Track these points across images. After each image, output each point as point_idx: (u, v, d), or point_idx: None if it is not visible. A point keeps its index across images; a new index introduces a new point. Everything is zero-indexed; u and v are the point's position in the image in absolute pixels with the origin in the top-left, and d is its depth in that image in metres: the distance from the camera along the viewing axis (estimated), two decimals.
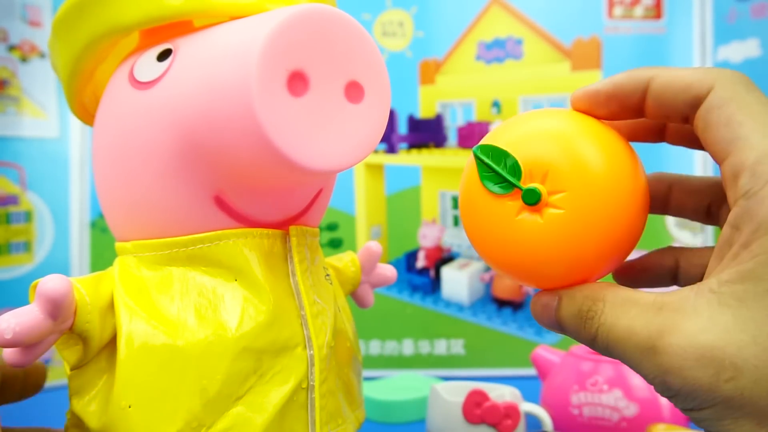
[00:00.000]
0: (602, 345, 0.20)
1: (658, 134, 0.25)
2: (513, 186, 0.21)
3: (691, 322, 0.18)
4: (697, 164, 0.65)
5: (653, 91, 0.21)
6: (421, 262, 0.67)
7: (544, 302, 0.22)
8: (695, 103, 0.20)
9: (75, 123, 0.62)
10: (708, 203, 0.24)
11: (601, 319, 0.20)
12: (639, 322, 0.19)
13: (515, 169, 0.21)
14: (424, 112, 0.68)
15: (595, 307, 0.20)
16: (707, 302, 0.18)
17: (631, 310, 0.19)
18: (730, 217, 0.18)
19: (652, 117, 0.22)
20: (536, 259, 0.21)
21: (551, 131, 0.21)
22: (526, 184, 0.21)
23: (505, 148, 0.21)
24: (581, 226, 0.20)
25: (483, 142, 0.22)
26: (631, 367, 0.20)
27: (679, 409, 0.19)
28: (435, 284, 0.66)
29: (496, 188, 0.21)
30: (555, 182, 0.20)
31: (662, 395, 0.19)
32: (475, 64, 0.67)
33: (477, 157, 0.22)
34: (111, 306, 0.24)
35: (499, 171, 0.21)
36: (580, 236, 0.20)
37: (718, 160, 0.19)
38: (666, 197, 0.25)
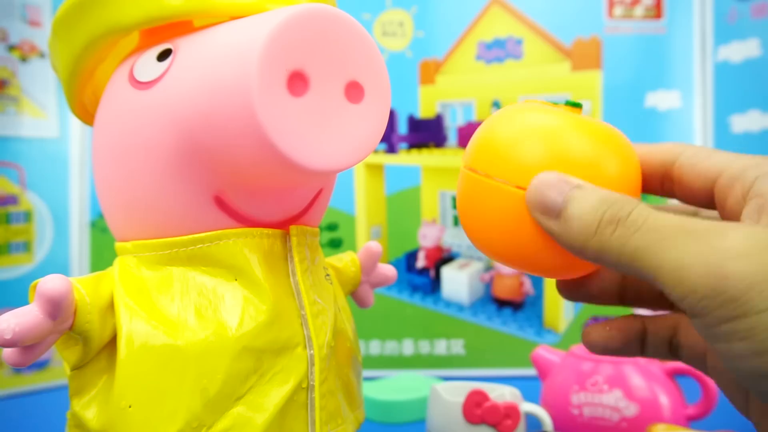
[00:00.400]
0: (626, 254, 0.18)
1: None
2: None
3: (754, 227, 0.17)
4: None
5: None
6: (421, 262, 0.67)
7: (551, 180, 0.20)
8: (671, 159, 0.23)
9: (75, 123, 0.62)
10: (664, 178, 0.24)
11: (636, 211, 0.18)
12: (689, 222, 0.17)
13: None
14: (424, 112, 0.68)
15: (626, 207, 0.19)
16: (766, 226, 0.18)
17: (674, 217, 0.18)
18: (751, 194, 0.19)
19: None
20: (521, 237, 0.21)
21: (539, 127, 0.21)
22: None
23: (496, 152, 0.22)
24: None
25: (472, 153, 0.23)
26: (658, 264, 0.17)
27: (706, 325, 0.17)
28: (435, 284, 0.66)
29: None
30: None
31: (695, 301, 0.17)
32: (475, 64, 0.67)
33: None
34: (111, 306, 0.24)
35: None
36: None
37: (709, 181, 0.21)
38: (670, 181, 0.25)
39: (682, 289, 0.17)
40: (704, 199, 0.22)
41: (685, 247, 0.17)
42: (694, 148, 0.22)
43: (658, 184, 0.24)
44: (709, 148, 0.22)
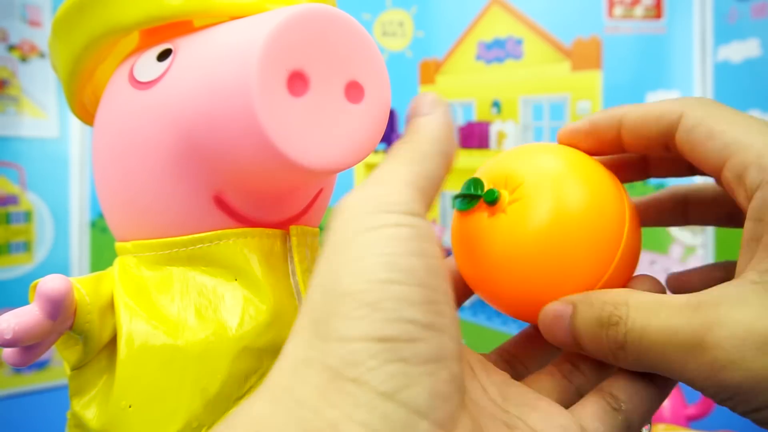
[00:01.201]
0: (633, 352, 0.19)
1: (642, 170, 0.25)
2: (477, 196, 0.23)
3: (742, 312, 0.17)
4: None
5: (627, 126, 0.22)
6: None
7: (555, 312, 0.21)
8: (670, 130, 0.20)
9: (75, 123, 0.62)
10: (729, 210, 0.24)
11: (629, 324, 0.19)
12: (677, 321, 0.18)
13: (477, 184, 0.23)
14: None
15: (618, 311, 0.19)
16: (753, 292, 0.17)
17: (662, 312, 0.18)
18: (750, 212, 0.18)
19: (631, 150, 0.23)
20: (479, 260, 0.23)
21: (519, 151, 0.24)
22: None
23: (477, 174, 0.24)
24: (518, 233, 0.21)
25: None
26: (670, 373, 0.18)
27: (739, 413, 0.18)
28: None
29: (464, 205, 0.23)
30: (514, 186, 0.22)
31: (716, 399, 0.18)
32: (475, 64, 0.67)
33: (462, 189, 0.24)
34: (111, 306, 0.24)
35: (464, 192, 0.24)
36: (530, 226, 0.21)
37: (714, 171, 0.20)
38: (684, 210, 0.25)
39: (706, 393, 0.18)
40: (716, 176, 0.21)
41: (684, 362, 0.18)
42: (694, 116, 0.20)
43: (661, 162, 0.25)
44: (713, 108, 0.20)
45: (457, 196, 0.24)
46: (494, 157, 0.25)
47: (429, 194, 0.19)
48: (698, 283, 0.25)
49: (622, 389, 0.20)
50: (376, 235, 0.17)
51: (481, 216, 0.23)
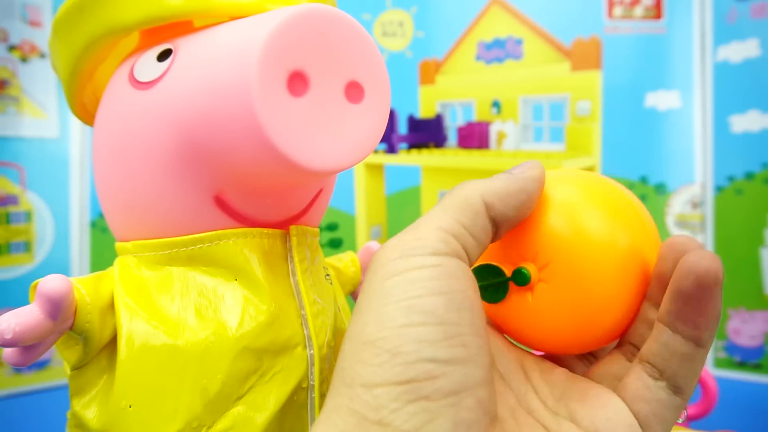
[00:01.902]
0: None
1: None
2: (504, 282, 0.22)
3: None
4: (697, 166, 0.65)
5: None
6: None
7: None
8: None
9: (75, 123, 0.62)
10: None
11: None
12: None
13: (494, 271, 0.22)
14: (424, 112, 0.68)
15: None
16: None
17: None
18: None
19: None
20: (538, 333, 0.22)
21: (543, 211, 0.21)
22: (518, 265, 0.21)
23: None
24: (562, 296, 0.20)
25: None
26: None
27: None
28: None
29: (493, 297, 0.22)
30: (543, 258, 0.21)
31: None
32: (475, 64, 0.67)
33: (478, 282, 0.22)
34: (111, 306, 0.24)
35: (490, 282, 0.22)
36: (562, 306, 0.21)
37: None
38: None
39: None
40: None
41: None
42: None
43: None
44: None
45: (482, 287, 0.22)
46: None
47: (464, 236, 0.19)
48: None
49: (657, 354, 0.19)
50: (399, 280, 0.17)
51: (518, 298, 0.22)
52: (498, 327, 0.23)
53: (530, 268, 0.21)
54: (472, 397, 0.16)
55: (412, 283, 0.17)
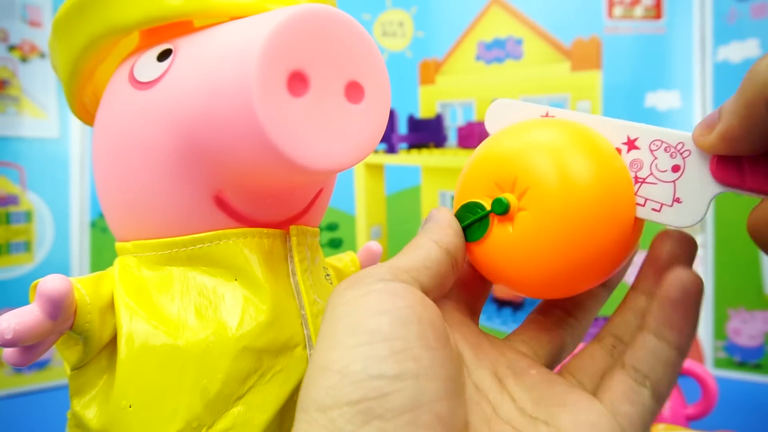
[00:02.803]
0: None
1: None
2: (486, 215, 0.22)
3: None
4: None
5: None
6: None
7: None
8: None
9: (75, 123, 0.62)
10: None
11: None
12: None
13: (476, 207, 0.22)
14: (424, 112, 0.68)
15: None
16: None
17: None
18: None
19: None
20: (519, 267, 0.21)
21: (522, 141, 0.22)
22: (497, 195, 0.22)
23: (484, 157, 0.23)
24: (545, 223, 0.20)
25: (456, 194, 0.24)
26: None
27: None
28: None
29: (474, 235, 0.22)
30: (522, 185, 0.21)
31: None
32: (475, 64, 0.67)
33: (460, 223, 0.23)
34: (111, 306, 0.24)
35: (470, 219, 0.22)
36: (546, 234, 0.20)
37: None
38: None
39: None
40: None
41: None
42: None
43: None
44: None
45: (465, 227, 0.23)
46: (475, 153, 0.23)
47: (415, 269, 0.20)
48: None
49: (642, 360, 0.20)
50: (347, 306, 0.18)
51: (500, 229, 0.22)
52: (483, 272, 0.23)
53: (509, 198, 0.21)
54: (429, 414, 0.16)
55: (357, 307, 0.18)
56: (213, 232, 0.24)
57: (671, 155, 0.21)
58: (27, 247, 0.60)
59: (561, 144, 0.21)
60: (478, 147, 0.24)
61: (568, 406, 0.20)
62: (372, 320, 0.17)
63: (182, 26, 0.25)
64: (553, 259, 0.21)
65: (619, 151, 0.22)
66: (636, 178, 0.21)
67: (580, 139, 0.21)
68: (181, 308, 0.24)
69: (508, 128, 0.23)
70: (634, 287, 0.23)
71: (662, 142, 0.21)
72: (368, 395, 0.16)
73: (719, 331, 0.62)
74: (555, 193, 0.20)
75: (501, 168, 0.22)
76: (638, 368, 0.20)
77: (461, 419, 0.17)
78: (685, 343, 0.20)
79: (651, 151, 0.21)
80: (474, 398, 0.20)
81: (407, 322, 0.18)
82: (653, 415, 0.20)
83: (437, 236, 0.21)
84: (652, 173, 0.21)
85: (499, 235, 0.22)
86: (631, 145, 0.22)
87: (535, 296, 0.23)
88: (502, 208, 0.21)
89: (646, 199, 0.21)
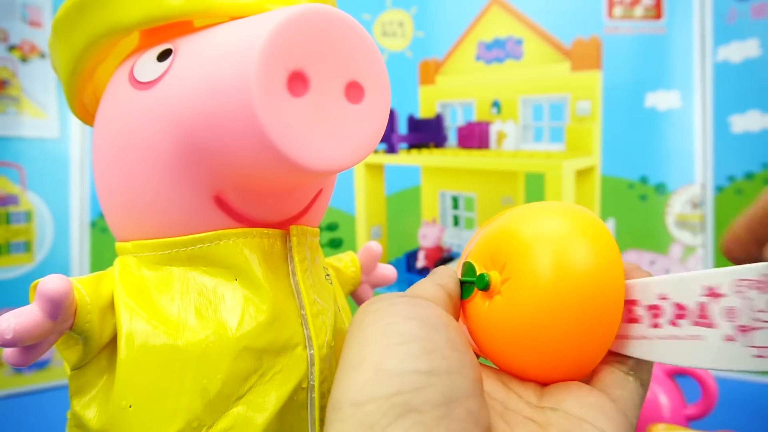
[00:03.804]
0: None
1: None
2: (472, 282, 0.23)
3: None
4: (697, 166, 0.65)
5: None
6: (421, 262, 0.67)
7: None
8: None
9: (75, 123, 0.62)
10: None
11: None
12: None
13: (470, 270, 0.23)
14: (424, 112, 0.68)
15: None
16: None
17: None
18: None
19: None
20: (489, 343, 0.22)
21: (503, 223, 0.23)
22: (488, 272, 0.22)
23: (489, 235, 0.23)
24: (515, 313, 0.21)
25: (470, 247, 0.25)
26: None
27: None
28: None
29: (465, 293, 0.23)
30: (508, 271, 0.22)
31: None
32: (475, 64, 0.67)
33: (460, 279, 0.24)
34: (111, 306, 0.24)
35: (465, 279, 0.23)
36: (514, 323, 0.21)
37: None
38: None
39: None
40: None
41: None
42: None
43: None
44: None
45: (461, 283, 0.24)
46: (484, 228, 0.24)
47: (437, 296, 0.22)
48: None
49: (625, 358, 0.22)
50: (375, 315, 0.19)
51: (479, 301, 0.23)
52: (468, 331, 0.24)
53: (494, 277, 0.22)
54: (462, 408, 0.17)
55: (386, 315, 0.19)
56: (213, 232, 0.24)
57: (762, 289, 0.18)
58: (27, 247, 0.60)
59: (549, 240, 0.21)
60: (505, 213, 0.24)
61: (572, 394, 0.21)
62: (403, 324, 0.18)
63: (182, 26, 0.25)
64: (522, 350, 0.21)
65: (703, 306, 0.19)
66: (740, 329, 0.18)
67: (575, 235, 0.21)
68: (181, 308, 0.24)
69: (529, 206, 0.23)
70: None
71: (746, 280, 0.18)
72: (403, 389, 0.16)
73: None
74: (528, 290, 0.21)
75: (501, 246, 0.22)
76: (622, 361, 0.22)
77: (486, 418, 0.18)
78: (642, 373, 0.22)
79: (739, 294, 0.18)
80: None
81: (436, 327, 0.19)
82: (641, 398, 0.22)
83: (439, 280, 0.23)
84: (755, 318, 0.18)
85: (479, 305, 0.23)
86: (714, 294, 0.19)
87: (505, 371, 0.23)
88: (482, 284, 0.22)
89: (760, 348, 0.18)
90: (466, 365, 0.18)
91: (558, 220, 0.22)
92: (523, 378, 0.23)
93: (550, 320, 0.20)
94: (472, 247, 0.24)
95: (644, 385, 0.22)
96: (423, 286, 0.22)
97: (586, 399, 0.20)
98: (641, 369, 0.22)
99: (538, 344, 0.21)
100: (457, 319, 0.23)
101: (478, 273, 0.23)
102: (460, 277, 0.24)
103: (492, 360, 0.23)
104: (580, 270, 0.20)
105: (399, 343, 0.18)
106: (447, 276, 0.23)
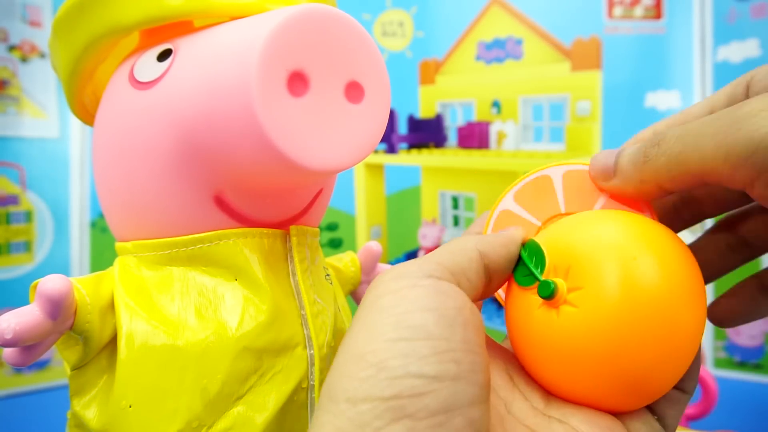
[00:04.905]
0: (667, 147, 0.19)
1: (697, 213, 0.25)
2: (535, 278, 0.20)
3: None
4: None
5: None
6: None
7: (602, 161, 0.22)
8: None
9: (75, 123, 0.62)
10: None
11: (667, 134, 0.20)
12: (708, 125, 0.19)
13: (541, 262, 0.20)
14: (424, 112, 0.68)
15: (655, 139, 0.20)
16: None
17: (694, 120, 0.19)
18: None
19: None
20: (551, 360, 0.19)
21: (586, 227, 0.20)
22: (549, 277, 0.20)
23: (543, 240, 0.21)
24: (593, 329, 0.18)
25: (535, 237, 0.21)
26: (702, 161, 0.18)
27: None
28: None
29: (522, 279, 0.21)
30: (575, 278, 0.19)
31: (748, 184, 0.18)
32: (475, 64, 0.67)
33: (520, 253, 0.21)
34: (111, 306, 0.24)
35: (528, 264, 0.20)
36: (592, 340, 0.18)
37: None
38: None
39: (727, 166, 0.18)
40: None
41: (711, 128, 0.18)
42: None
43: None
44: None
45: (520, 265, 0.21)
46: (557, 223, 0.21)
47: (459, 273, 0.19)
48: (738, 305, 0.25)
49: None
50: (392, 297, 0.17)
51: (536, 304, 0.20)
52: (520, 353, 0.21)
53: (560, 285, 0.19)
54: (462, 417, 0.16)
55: (403, 299, 0.17)
56: (213, 232, 0.24)
57: None
58: (27, 247, 0.60)
59: (625, 245, 0.19)
60: (562, 219, 0.21)
61: (584, 409, 0.20)
62: (417, 315, 0.17)
63: (182, 26, 0.25)
64: (590, 370, 0.18)
65: None
66: None
67: (648, 238, 0.19)
68: (181, 308, 0.24)
69: (597, 212, 0.21)
70: None
71: None
72: (403, 393, 0.16)
73: (719, 331, 0.62)
74: (616, 304, 0.18)
75: (566, 251, 0.19)
76: (652, 407, 0.21)
77: (488, 424, 0.17)
78: (690, 386, 0.21)
79: None
80: None
81: (454, 323, 0.17)
82: (683, 404, 0.21)
83: (483, 245, 0.20)
84: None
85: (535, 312, 0.20)
86: None
87: (560, 397, 0.20)
88: (547, 292, 0.19)
89: None
90: (476, 370, 0.17)
91: (643, 228, 0.19)
92: (578, 403, 0.20)
93: (638, 340, 0.18)
94: (545, 235, 0.21)
95: (668, 428, 0.20)
96: (460, 247, 0.20)
97: (599, 420, 0.19)
98: (668, 413, 0.20)
99: (617, 368, 0.18)
100: (485, 298, 0.21)
101: (547, 274, 0.20)
102: (522, 261, 0.21)
103: (540, 379, 0.20)
104: (677, 285, 0.18)
105: (408, 338, 0.16)
106: (497, 244, 0.20)
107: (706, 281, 0.23)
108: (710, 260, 0.25)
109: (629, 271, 0.18)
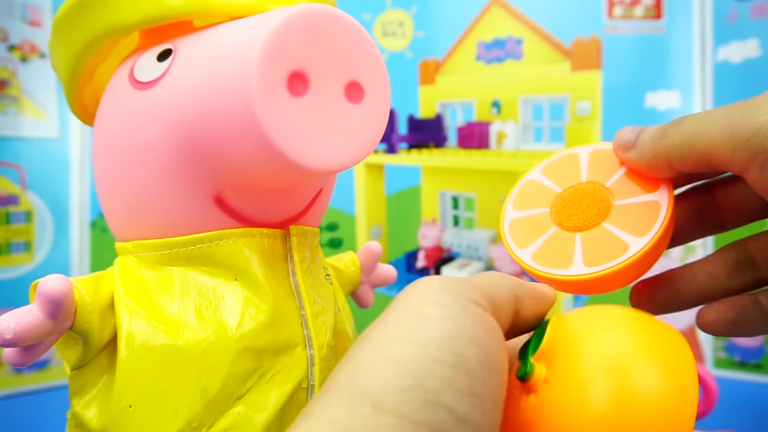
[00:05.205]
0: (680, 130, 0.21)
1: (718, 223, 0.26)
2: (524, 355, 0.20)
3: None
4: None
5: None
6: (421, 262, 0.67)
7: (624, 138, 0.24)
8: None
9: (75, 123, 0.62)
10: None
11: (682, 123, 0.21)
12: (722, 111, 0.20)
13: (538, 342, 0.20)
14: (424, 112, 0.68)
15: (677, 120, 0.22)
16: None
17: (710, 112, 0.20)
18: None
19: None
20: None
21: (587, 320, 0.19)
22: (540, 360, 0.19)
23: (555, 321, 0.20)
24: (552, 419, 0.17)
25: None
26: (714, 156, 0.20)
27: None
28: None
29: (519, 371, 0.20)
30: (551, 369, 0.18)
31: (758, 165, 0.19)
32: (475, 64, 0.67)
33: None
34: (111, 306, 0.24)
35: (531, 340, 0.20)
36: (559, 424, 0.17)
37: None
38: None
39: (728, 148, 0.19)
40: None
41: (724, 114, 0.20)
42: None
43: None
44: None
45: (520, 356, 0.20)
46: (575, 310, 0.21)
47: (495, 309, 0.19)
48: (728, 312, 0.24)
49: None
50: (441, 312, 0.16)
51: (515, 389, 0.19)
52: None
53: (538, 371, 0.19)
54: None
55: (452, 320, 0.16)
56: (213, 232, 0.24)
57: None
58: (27, 247, 0.60)
59: (610, 353, 0.18)
60: (576, 312, 0.21)
61: None
62: (464, 345, 0.16)
63: (182, 26, 0.25)
64: None
65: None
66: None
67: (643, 357, 0.18)
68: (181, 308, 0.24)
69: (598, 309, 0.20)
70: None
71: None
72: (431, 423, 0.14)
73: None
74: (568, 407, 0.17)
75: (555, 339, 0.19)
76: None
77: None
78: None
79: None
80: None
81: (493, 369, 0.16)
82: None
83: (521, 292, 0.20)
84: None
85: (514, 394, 0.19)
86: None
87: None
88: (521, 372, 0.19)
89: None
90: (496, 426, 0.16)
91: (628, 332, 0.18)
92: None
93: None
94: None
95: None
96: (499, 284, 0.19)
97: None
98: None
99: None
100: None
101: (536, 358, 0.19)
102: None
103: None
104: (641, 404, 0.17)
105: (451, 365, 0.15)
106: (533, 298, 0.20)
107: (711, 300, 0.24)
108: (717, 277, 0.25)
109: (599, 384, 0.17)
